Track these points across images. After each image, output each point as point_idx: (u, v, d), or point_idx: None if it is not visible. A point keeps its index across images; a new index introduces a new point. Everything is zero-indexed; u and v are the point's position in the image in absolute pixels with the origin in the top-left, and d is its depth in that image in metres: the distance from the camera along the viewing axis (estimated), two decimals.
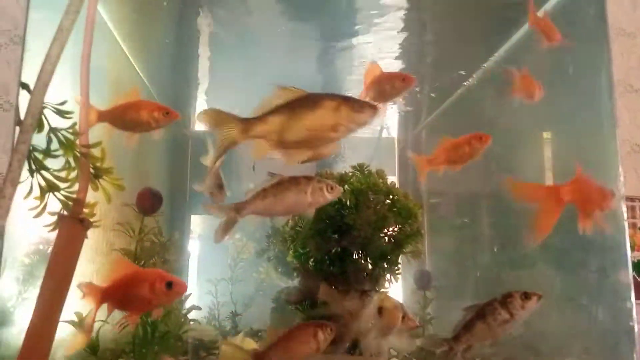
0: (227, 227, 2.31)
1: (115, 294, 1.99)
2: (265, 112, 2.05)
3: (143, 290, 1.92)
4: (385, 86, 2.80)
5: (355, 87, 5.06)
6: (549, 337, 3.43)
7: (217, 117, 2.09)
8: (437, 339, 2.57)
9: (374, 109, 1.97)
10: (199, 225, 5.62)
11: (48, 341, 2.07)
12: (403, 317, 2.41)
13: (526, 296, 2.40)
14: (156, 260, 2.95)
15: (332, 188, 2.32)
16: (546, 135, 4.05)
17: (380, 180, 2.90)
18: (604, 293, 3.08)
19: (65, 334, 2.56)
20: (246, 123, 2.07)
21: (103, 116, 2.64)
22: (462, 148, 2.92)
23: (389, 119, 5.68)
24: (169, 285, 1.90)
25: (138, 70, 4.18)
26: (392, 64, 4.59)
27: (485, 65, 4.16)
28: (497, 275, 4.07)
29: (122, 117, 2.68)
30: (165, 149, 5.35)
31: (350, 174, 2.95)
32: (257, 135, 2.06)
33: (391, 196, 2.89)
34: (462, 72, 4.36)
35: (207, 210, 2.34)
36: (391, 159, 5.75)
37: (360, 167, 2.95)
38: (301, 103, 2.00)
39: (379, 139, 5.69)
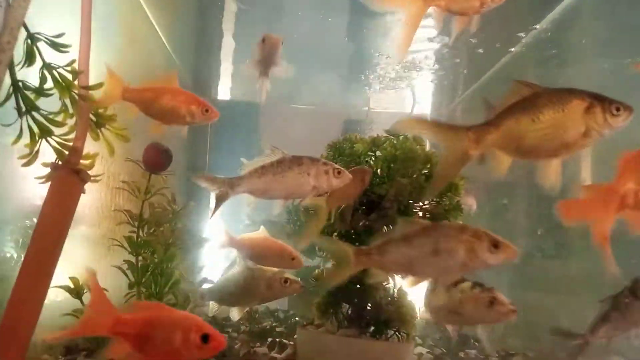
0: (217, 204, 2.05)
1: (134, 331, 1.57)
2: (497, 116, 1.66)
3: (173, 337, 1.53)
4: None
5: (383, 56, 4.73)
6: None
7: (436, 128, 1.74)
8: (571, 332, 2.35)
9: (630, 110, 1.63)
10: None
11: (35, 307, 1.82)
12: (491, 302, 1.98)
13: None
14: (165, 228, 2.69)
15: (339, 173, 2.03)
16: None
17: (418, 146, 2.56)
18: None
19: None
20: (477, 132, 1.67)
21: (129, 93, 2.20)
22: None
23: (422, 93, 5.33)
24: (205, 338, 1.52)
25: (155, 25, 3.88)
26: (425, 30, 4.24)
27: (537, 26, 3.74)
28: (539, 262, 3.72)
29: (153, 102, 2.27)
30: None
31: (383, 138, 2.61)
32: (492, 146, 1.68)
33: (429, 165, 2.55)
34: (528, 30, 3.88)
35: (198, 181, 2.06)
36: None
37: (395, 132, 2.61)
38: (541, 102, 1.62)
39: (411, 115, 5.34)
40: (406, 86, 5.13)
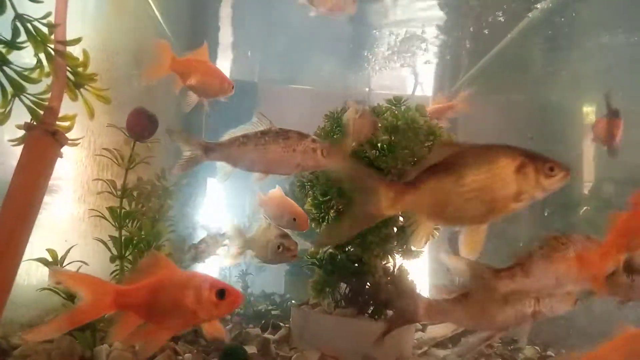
0: (186, 165, 1.92)
1: (140, 300, 1.43)
2: (419, 175, 1.50)
3: (185, 298, 1.40)
4: None
5: (387, 40, 4.57)
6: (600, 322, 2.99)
7: (355, 176, 1.54)
8: None
9: (567, 171, 1.47)
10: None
11: (6, 279, 1.68)
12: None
13: None
14: (154, 202, 2.55)
15: (327, 152, 1.89)
16: None
17: (421, 117, 2.42)
18: None
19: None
20: (396, 190, 1.48)
21: (176, 65, 2.40)
22: None
23: (423, 74, 5.17)
24: (221, 294, 1.40)
25: None
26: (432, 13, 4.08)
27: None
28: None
29: (195, 75, 2.47)
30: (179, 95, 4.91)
31: (384, 107, 2.47)
32: (410, 208, 1.50)
33: (433, 137, 2.41)
34: None
35: (172, 136, 1.92)
36: None
37: (396, 101, 2.46)
38: (467, 161, 1.46)
39: (412, 96, 5.19)
40: (403, 65, 4.97)
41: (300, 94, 5.58)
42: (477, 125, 4.72)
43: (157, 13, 3.78)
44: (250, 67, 5.52)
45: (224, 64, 5.33)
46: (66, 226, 2.65)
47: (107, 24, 3.06)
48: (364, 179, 1.51)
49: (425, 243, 1.67)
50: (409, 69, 5.14)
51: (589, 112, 4.23)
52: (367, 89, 5.42)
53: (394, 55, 4.94)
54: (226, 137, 1.93)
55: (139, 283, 1.45)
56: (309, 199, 2.60)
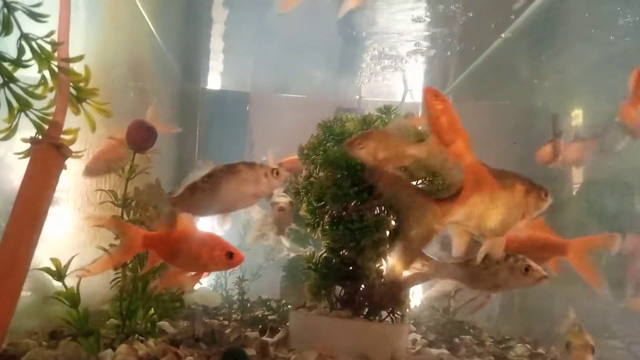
0: (169, 220, 1.94)
1: (163, 245, 1.90)
2: (459, 192, 1.77)
3: (202, 252, 1.86)
4: None
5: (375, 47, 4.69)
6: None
7: (405, 195, 1.84)
8: None
9: (551, 196, 1.83)
10: None
11: (14, 287, 1.75)
12: (527, 269, 2.00)
13: None
14: (151, 211, 2.61)
15: (277, 173, 1.96)
16: None
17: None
18: None
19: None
20: (442, 205, 1.78)
21: None
22: None
23: (413, 81, 5.28)
24: (230, 255, 1.85)
25: (141, 9, 3.77)
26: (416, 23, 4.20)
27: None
28: None
29: None
30: (171, 107, 4.97)
31: (374, 116, 2.56)
32: (455, 221, 1.79)
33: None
34: None
35: (142, 197, 2.05)
36: None
37: (386, 110, 2.56)
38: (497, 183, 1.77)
39: (401, 104, 5.28)
40: (393, 71, 5.08)
41: (292, 102, 5.67)
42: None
43: (151, 27, 3.86)
44: (242, 77, 5.61)
45: (216, 75, 5.41)
46: (66, 237, 2.71)
47: (102, 38, 3.13)
48: (415, 197, 1.80)
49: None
50: (399, 76, 5.26)
51: (578, 114, 4.34)
52: (357, 97, 5.52)
53: (383, 62, 5.05)
54: (180, 188, 1.94)
55: (163, 232, 1.89)
56: (304, 205, 2.67)
